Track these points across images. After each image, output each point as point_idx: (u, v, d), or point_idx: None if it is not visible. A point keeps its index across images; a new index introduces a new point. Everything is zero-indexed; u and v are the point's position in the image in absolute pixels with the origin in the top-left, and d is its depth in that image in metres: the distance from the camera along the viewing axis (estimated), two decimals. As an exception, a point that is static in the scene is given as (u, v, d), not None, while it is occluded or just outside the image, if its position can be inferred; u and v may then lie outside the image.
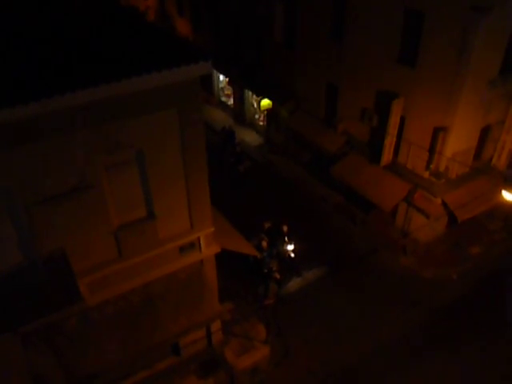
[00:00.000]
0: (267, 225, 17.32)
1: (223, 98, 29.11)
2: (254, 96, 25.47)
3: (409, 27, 15.46)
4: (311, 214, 20.04)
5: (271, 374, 13.85)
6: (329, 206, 20.55)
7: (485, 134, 17.12)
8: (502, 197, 14.10)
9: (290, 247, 17.01)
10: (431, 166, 16.52)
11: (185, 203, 10.57)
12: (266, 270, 16.05)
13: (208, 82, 28.00)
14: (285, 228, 17.14)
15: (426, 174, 16.83)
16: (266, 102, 23.58)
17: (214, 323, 13.11)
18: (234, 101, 27.57)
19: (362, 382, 13.70)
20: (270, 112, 24.25)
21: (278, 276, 16.08)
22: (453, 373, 13.75)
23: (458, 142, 16.08)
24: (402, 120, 16.91)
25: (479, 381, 13.59)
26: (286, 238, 17.01)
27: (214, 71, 27.43)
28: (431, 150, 16.21)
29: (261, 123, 26.32)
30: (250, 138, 26.04)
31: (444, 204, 17.08)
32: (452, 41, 14.21)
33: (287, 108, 22.20)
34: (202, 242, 11.59)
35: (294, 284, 16.78)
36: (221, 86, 28.96)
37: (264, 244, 16.47)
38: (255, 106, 26.01)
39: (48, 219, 8.89)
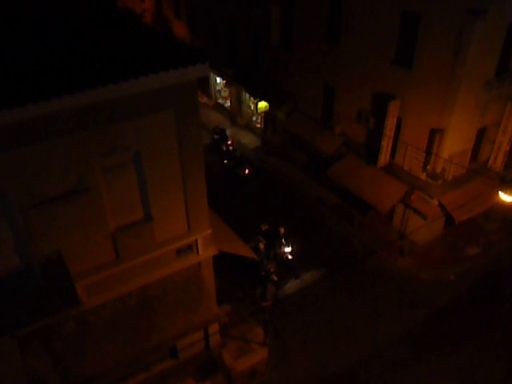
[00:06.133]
0: (264, 227, 17.34)
1: (220, 100, 29.13)
2: (251, 98, 25.51)
3: (405, 29, 15.53)
4: (308, 216, 20.05)
5: (269, 377, 13.83)
6: (326, 208, 20.57)
7: (481, 135, 17.19)
8: (499, 198, 14.11)
9: (288, 249, 17.03)
10: (428, 168, 16.57)
11: (182, 205, 10.56)
12: (263, 272, 16.04)
13: (205, 84, 28.04)
14: (282, 230, 17.16)
15: (423, 176, 16.87)
16: (263, 104, 23.62)
17: (211, 326, 13.07)
18: (231, 103, 27.60)
19: (361, 383, 13.73)
20: (267, 114, 24.28)
21: (275, 278, 16.08)
22: (451, 372, 13.76)
23: (454, 144, 16.13)
24: (399, 121, 16.96)
25: (477, 380, 13.61)
26: (284, 240, 17.03)
27: (211, 73, 27.46)
28: (428, 152, 16.26)
29: (258, 125, 26.35)
30: (247, 140, 26.08)
31: (441, 205, 17.13)
32: (448, 43, 14.27)
33: (284, 110, 22.23)
34: (199, 245, 11.57)
35: (292, 286, 16.77)
36: (218, 88, 29.00)
37: (261, 246, 16.49)
38: (252, 108, 26.06)
39: (45, 222, 8.86)
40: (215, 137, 24.88)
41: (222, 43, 25.72)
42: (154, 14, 31.72)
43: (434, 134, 15.77)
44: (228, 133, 25.37)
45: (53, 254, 9.17)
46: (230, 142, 24.50)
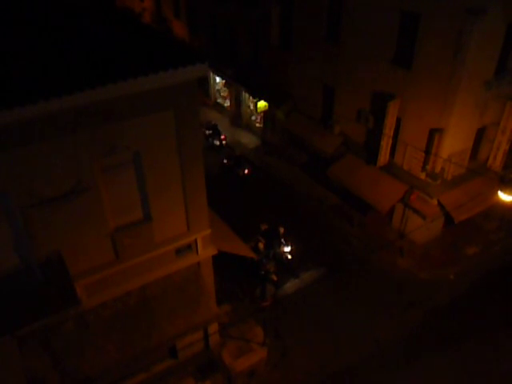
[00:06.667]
0: (264, 227, 17.33)
1: (219, 100, 29.13)
2: (251, 98, 25.51)
3: (405, 29, 15.53)
4: (308, 216, 20.06)
5: (269, 376, 13.83)
6: (326, 208, 20.57)
7: (480, 134, 17.20)
8: (498, 197, 14.14)
9: (287, 249, 17.03)
10: (427, 167, 16.58)
11: (181, 205, 10.56)
12: (262, 272, 16.04)
13: (204, 83, 28.04)
14: (281, 230, 17.16)
15: (423, 175, 16.88)
16: (262, 104, 23.62)
17: (211, 325, 13.08)
18: (230, 102, 27.59)
19: (361, 383, 13.69)
20: (266, 114, 24.28)
21: (275, 278, 16.09)
22: (451, 372, 13.77)
23: (453, 143, 16.14)
24: (399, 121, 16.96)
25: (477, 379, 13.62)
26: (283, 240, 17.03)
27: (211, 73, 27.46)
28: (427, 151, 16.26)
29: (257, 125, 26.35)
30: (247, 139, 26.07)
31: (440, 205, 17.14)
32: (447, 42, 14.28)
33: (284, 110, 22.23)
34: (198, 244, 11.57)
35: (291, 285, 16.77)
36: (217, 87, 28.99)
37: (261, 246, 16.49)
38: (252, 107, 26.05)
39: (44, 222, 8.86)
40: (207, 132, 24.96)
41: (221, 43, 25.71)
42: (153, 13, 31.70)
43: (434, 134, 15.78)
44: (220, 128, 25.53)
45: (52, 253, 9.16)
46: (223, 137, 24.74)
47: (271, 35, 21.45)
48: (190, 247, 11.51)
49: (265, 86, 23.07)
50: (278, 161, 23.83)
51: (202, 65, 8.81)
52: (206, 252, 11.88)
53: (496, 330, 15.06)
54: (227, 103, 28.15)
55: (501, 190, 12.74)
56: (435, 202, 17.09)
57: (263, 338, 14.57)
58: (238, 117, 27.06)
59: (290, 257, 17.11)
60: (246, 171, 22.21)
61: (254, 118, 26.55)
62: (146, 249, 10.59)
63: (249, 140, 26.01)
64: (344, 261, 17.61)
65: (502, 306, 15.89)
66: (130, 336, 10.76)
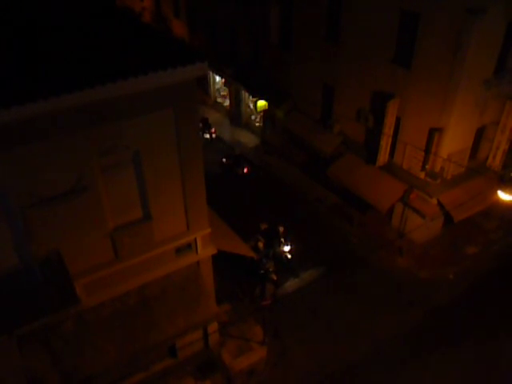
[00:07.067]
0: (264, 226, 17.34)
1: (219, 99, 29.13)
2: (251, 97, 25.50)
3: (404, 28, 15.53)
4: (308, 215, 20.06)
5: (268, 376, 13.83)
6: (325, 207, 20.57)
7: (480, 134, 17.21)
8: (498, 196, 14.17)
9: (287, 248, 17.04)
10: (427, 167, 16.58)
11: (181, 204, 10.56)
12: (262, 271, 16.05)
13: (204, 82, 28.03)
14: (281, 229, 17.17)
15: (422, 175, 16.89)
16: (262, 103, 23.61)
17: (210, 325, 13.09)
18: (230, 102, 27.59)
19: (360, 383, 13.70)
20: (266, 113, 24.28)
21: (274, 277, 16.09)
22: (451, 372, 13.78)
23: (453, 143, 16.14)
24: (398, 120, 16.97)
25: (477, 379, 13.62)
26: (283, 239, 17.04)
27: (211, 72, 27.46)
28: (427, 151, 16.27)
29: (257, 124, 26.35)
30: (246, 139, 26.07)
31: (440, 204, 17.15)
32: (447, 42, 14.28)
33: (283, 109, 22.23)
34: (198, 244, 11.57)
35: (291, 285, 16.78)
36: (217, 86, 28.99)
37: (260, 245, 16.50)
38: (251, 106, 26.05)
39: (44, 221, 8.85)
40: None
41: (221, 42, 25.70)
42: (153, 12, 31.69)
43: (433, 133, 15.78)
44: (210, 121, 25.55)
45: (52, 253, 9.16)
46: (213, 130, 24.76)
47: (271, 35, 21.45)
48: (189, 246, 11.51)
49: (264, 86, 23.06)
50: (277, 160, 23.83)
51: (202, 64, 8.80)
52: (205, 251, 11.88)
53: (496, 330, 15.07)
54: (227, 102, 28.15)
55: (500, 190, 12.77)
56: (435, 201, 17.10)
57: (263, 337, 14.58)
58: (237, 116, 27.05)
59: (289, 256, 17.12)
60: (245, 170, 22.22)
61: (253, 117, 26.56)
62: (146, 248, 10.59)
63: (248, 139, 26.01)
64: (343, 260, 17.61)
65: (502, 305, 15.89)
66: (130, 335, 10.76)
